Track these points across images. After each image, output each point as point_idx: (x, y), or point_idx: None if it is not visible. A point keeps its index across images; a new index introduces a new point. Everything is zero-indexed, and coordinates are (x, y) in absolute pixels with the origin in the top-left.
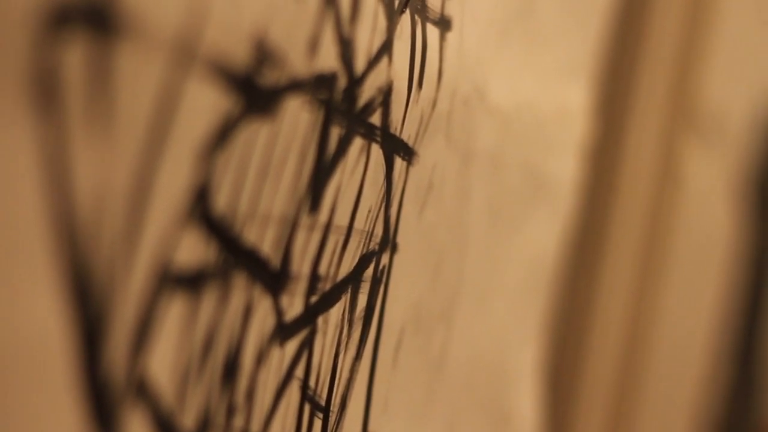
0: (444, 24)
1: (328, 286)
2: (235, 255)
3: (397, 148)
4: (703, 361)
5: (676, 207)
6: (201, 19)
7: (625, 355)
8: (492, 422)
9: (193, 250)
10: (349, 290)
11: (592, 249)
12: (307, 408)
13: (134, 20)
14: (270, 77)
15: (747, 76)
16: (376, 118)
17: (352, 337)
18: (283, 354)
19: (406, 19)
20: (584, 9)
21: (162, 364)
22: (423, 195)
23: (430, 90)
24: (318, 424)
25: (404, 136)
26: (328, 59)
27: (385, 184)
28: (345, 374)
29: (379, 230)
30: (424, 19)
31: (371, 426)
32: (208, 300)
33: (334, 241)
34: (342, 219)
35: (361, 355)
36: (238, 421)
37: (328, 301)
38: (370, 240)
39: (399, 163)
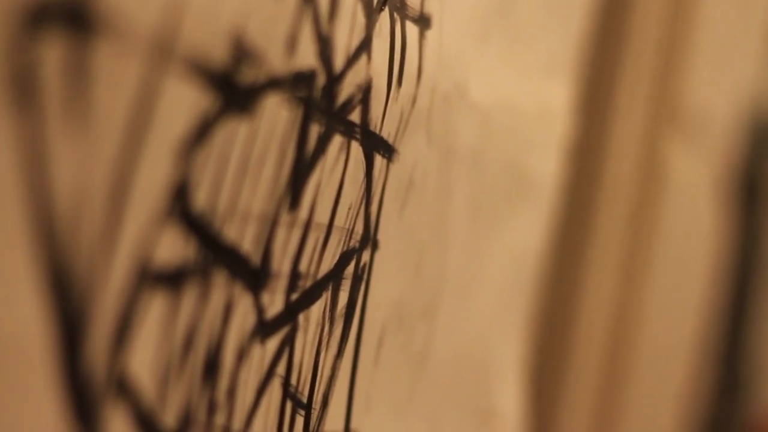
0: (423, 22)
1: (308, 283)
2: (215, 252)
3: (377, 146)
4: (688, 358)
5: (659, 204)
6: (178, 17)
7: (609, 352)
8: (474, 419)
9: (172, 247)
10: (330, 288)
11: (575, 246)
12: (288, 405)
13: (112, 18)
14: (248, 75)
15: (729, 73)
16: (355, 116)
17: (333, 335)
18: (264, 351)
19: (385, 16)
20: (565, 6)
21: (142, 361)
22: (403, 192)
23: (409, 87)
24: (300, 421)
25: (384, 134)
26: (306, 57)
27: (366, 181)
28: (327, 372)
29: (359, 228)
30: (404, 17)
31: (353, 423)
32: (188, 297)
33: (314, 238)
34: (322, 216)
35: (343, 353)
36: (220, 419)
37: (308, 298)
38: (350, 237)
39: (379, 160)
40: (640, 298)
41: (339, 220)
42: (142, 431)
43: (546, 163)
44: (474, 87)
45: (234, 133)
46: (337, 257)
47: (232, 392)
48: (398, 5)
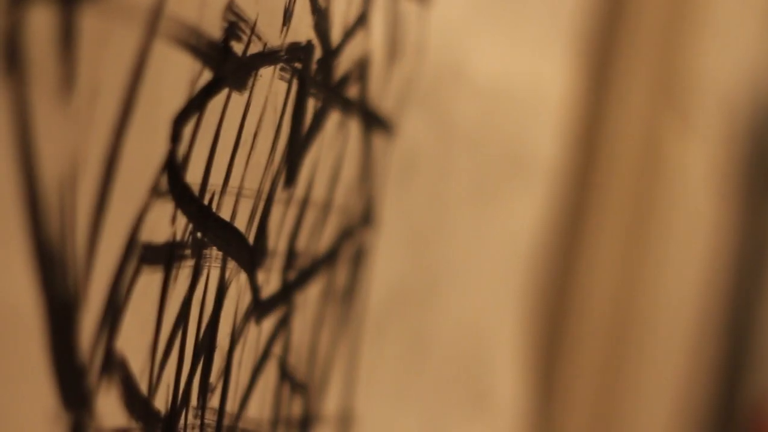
0: None
1: (306, 262)
2: (207, 229)
3: (375, 123)
4: (689, 341)
5: (659, 186)
6: None
7: (608, 335)
8: (473, 399)
9: (163, 223)
10: (328, 267)
11: (574, 226)
12: (286, 386)
13: None
14: (242, 45)
15: (732, 60)
16: (353, 91)
17: (331, 315)
18: (260, 332)
19: None
20: None
21: (133, 341)
22: (403, 170)
23: (408, 64)
24: (298, 402)
25: (383, 111)
26: (302, 29)
27: (364, 158)
28: (325, 352)
29: (358, 206)
30: None
31: (351, 404)
32: (180, 275)
33: (311, 216)
34: (320, 194)
35: (342, 333)
36: (213, 401)
37: (306, 277)
38: (349, 216)
39: (378, 137)
40: (641, 281)
41: (337, 198)
42: (133, 412)
43: (546, 143)
44: (473, 65)
45: (227, 105)
46: (335, 236)
47: (226, 373)
48: None
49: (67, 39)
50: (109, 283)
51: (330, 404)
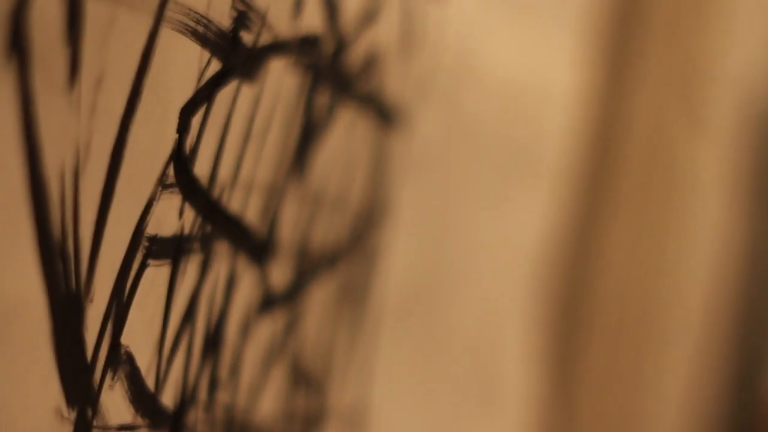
0: None
1: (317, 257)
2: (216, 223)
3: (387, 117)
4: (699, 340)
5: (670, 187)
6: None
7: (617, 332)
8: (483, 394)
9: (170, 216)
10: (339, 262)
11: (586, 222)
12: (297, 383)
13: None
14: (252, 36)
15: (747, 59)
16: (365, 86)
17: (342, 310)
18: (270, 326)
19: None
20: None
21: (140, 336)
22: (415, 166)
23: (420, 59)
24: (310, 399)
25: (394, 104)
26: (313, 22)
27: (376, 154)
28: (336, 348)
29: (369, 201)
30: None
31: (362, 400)
32: (189, 269)
33: (323, 211)
34: (331, 188)
35: (353, 329)
36: (223, 397)
37: (317, 272)
38: (360, 211)
39: (390, 132)
40: (652, 278)
41: (348, 193)
42: (140, 409)
43: (558, 140)
44: (486, 61)
45: (236, 96)
46: (347, 231)
47: (235, 369)
48: None
49: (72, 25)
50: (115, 276)
51: (343, 399)
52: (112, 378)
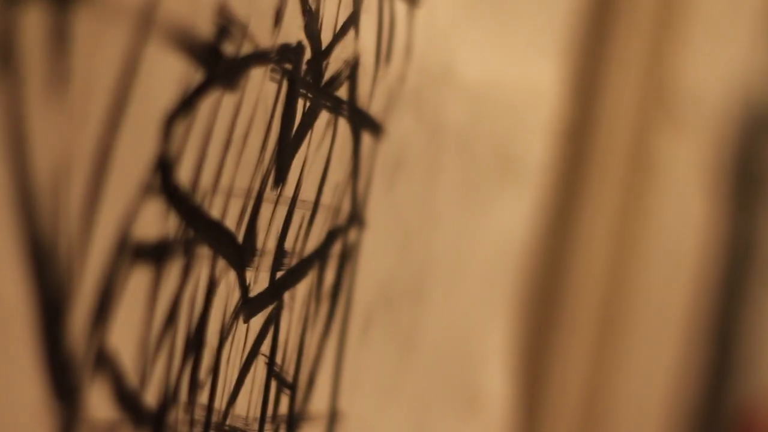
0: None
1: (294, 261)
2: (198, 227)
3: (364, 123)
4: (678, 343)
5: (648, 187)
6: None
7: (597, 336)
8: (461, 401)
9: (154, 221)
10: (317, 266)
11: (563, 228)
12: (273, 385)
13: None
14: (233, 47)
15: (722, 59)
16: (342, 92)
17: (319, 314)
18: (249, 329)
19: None
20: None
21: (123, 337)
22: (391, 171)
23: (398, 65)
24: (285, 401)
25: (372, 111)
26: (292, 30)
27: (353, 159)
28: (312, 351)
29: (346, 206)
30: None
31: (339, 404)
32: (171, 273)
33: (300, 215)
34: (308, 194)
35: (329, 332)
36: (202, 397)
37: (294, 276)
38: (337, 216)
39: (367, 138)
40: (629, 282)
41: (326, 198)
42: (123, 408)
43: (535, 144)
44: (463, 66)
45: (218, 105)
46: (323, 235)
47: (215, 370)
48: None
49: (61, 38)
50: (100, 279)
51: (317, 403)
52: (97, 377)
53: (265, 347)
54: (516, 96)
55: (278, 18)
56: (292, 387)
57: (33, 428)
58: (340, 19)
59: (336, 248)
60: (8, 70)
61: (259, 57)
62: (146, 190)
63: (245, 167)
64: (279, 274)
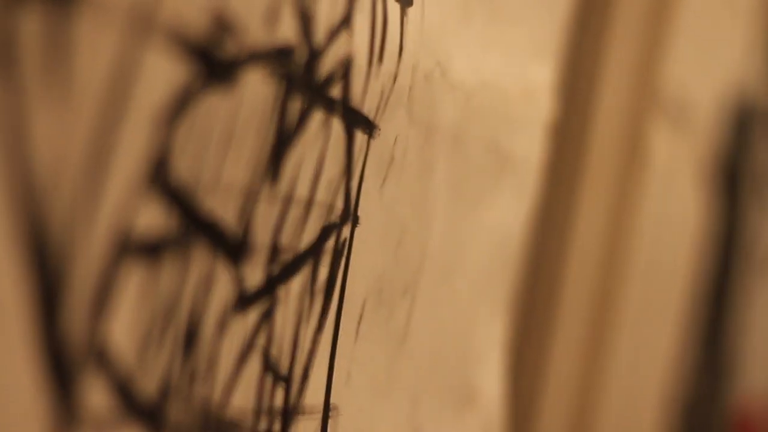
0: None
1: (289, 257)
2: (195, 224)
3: (357, 122)
4: (671, 341)
5: (642, 187)
6: None
7: (591, 333)
8: (456, 397)
9: (152, 218)
10: (311, 262)
11: (557, 227)
12: (268, 377)
13: None
14: (229, 48)
15: (713, 58)
16: (336, 92)
17: (313, 309)
18: (245, 323)
19: None
20: None
21: (121, 330)
22: (384, 169)
23: (391, 64)
24: (280, 393)
25: (365, 110)
26: (287, 32)
27: (346, 157)
28: (307, 345)
29: (340, 203)
30: None
31: (333, 398)
32: (168, 268)
33: (295, 212)
34: (303, 191)
35: (323, 327)
36: (200, 390)
37: (288, 272)
38: (331, 212)
39: (360, 136)
40: (623, 281)
41: (319, 195)
42: (121, 401)
43: (528, 143)
44: (456, 66)
45: (214, 105)
46: (317, 232)
47: (212, 363)
48: None
49: (60, 38)
50: (97, 275)
51: (311, 397)
52: (94, 372)
53: (261, 341)
54: (509, 95)
55: (273, 18)
56: (287, 380)
57: (29, 423)
58: (334, 19)
59: (329, 244)
60: (8, 70)
61: (254, 58)
62: (143, 188)
63: (241, 165)
64: (274, 270)
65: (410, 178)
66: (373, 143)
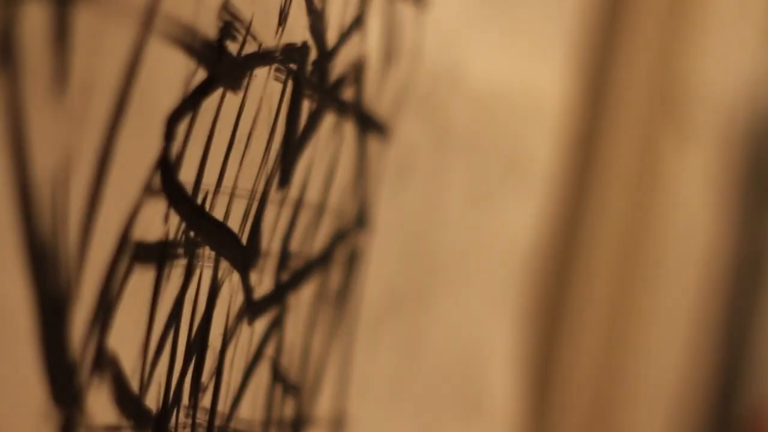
0: (419, 2)
1: (299, 263)
2: (200, 229)
3: (371, 126)
4: (686, 349)
5: (656, 192)
6: None
7: (604, 341)
8: (468, 403)
9: (156, 222)
10: (322, 268)
11: (571, 232)
12: (278, 388)
13: None
14: (236, 45)
15: (730, 65)
16: (348, 94)
17: (324, 317)
18: (253, 332)
19: None
20: None
21: (124, 339)
22: (398, 174)
23: (405, 68)
24: (290, 404)
25: (378, 114)
26: (298, 30)
27: (359, 161)
28: (318, 354)
29: (352, 208)
30: None
31: (345, 407)
32: (172, 275)
33: (305, 217)
34: (314, 195)
35: (335, 335)
36: (205, 401)
37: (299, 278)
38: (343, 218)
39: (372, 140)
40: (637, 287)
41: (331, 200)
42: (123, 411)
43: (543, 148)
44: (470, 71)
45: (221, 105)
46: (329, 237)
47: (218, 373)
48: None
49: (62, 36)
50: (101, 280)
51: (322, 406)
52: (98, 380)
53: (270, 350)
54: (524, 100)
55: (283, 17)
56: (297, 390)
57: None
58: (347, 20)
59: (342, 251)
60: (8, 68)
61: (263, 56)
62: (148, 191)
63: (249, 168)
64: (284, 277)
65: (423, 183)
66: (386, 148)
